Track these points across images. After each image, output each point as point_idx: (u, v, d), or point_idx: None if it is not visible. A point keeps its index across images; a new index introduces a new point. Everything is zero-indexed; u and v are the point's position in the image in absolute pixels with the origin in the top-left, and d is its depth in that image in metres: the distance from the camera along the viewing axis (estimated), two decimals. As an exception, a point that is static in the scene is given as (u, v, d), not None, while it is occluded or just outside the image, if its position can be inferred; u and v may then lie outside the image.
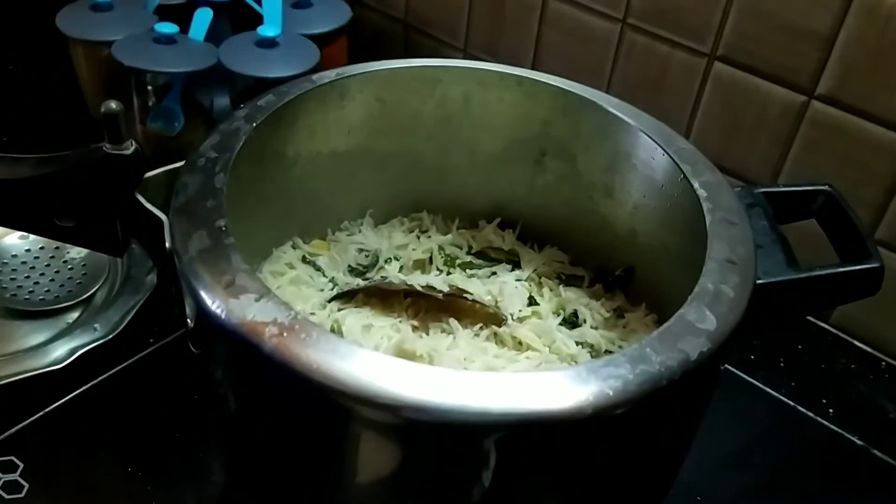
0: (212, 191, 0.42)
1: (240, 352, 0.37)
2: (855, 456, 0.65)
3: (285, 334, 0.35)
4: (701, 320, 0.38)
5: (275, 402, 0.38)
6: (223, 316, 0.36)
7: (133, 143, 0.41)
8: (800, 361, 0.73)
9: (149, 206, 0.42)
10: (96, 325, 0.66)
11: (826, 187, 0.49)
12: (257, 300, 0.37)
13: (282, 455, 0.41)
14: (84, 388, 0.62)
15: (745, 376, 0.71)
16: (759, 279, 0.42)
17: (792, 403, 0.69)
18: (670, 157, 0.49)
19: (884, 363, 0.74)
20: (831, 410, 0.69)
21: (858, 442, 0.66)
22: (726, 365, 0.69)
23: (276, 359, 0.35)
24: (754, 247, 0.43)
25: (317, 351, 0.35)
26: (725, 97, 0.75)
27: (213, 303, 0.37)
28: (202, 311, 0.37)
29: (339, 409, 0.35)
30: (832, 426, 0.67)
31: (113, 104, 0.40)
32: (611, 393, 0.35)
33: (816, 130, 0.71)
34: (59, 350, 0.63)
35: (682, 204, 0.49)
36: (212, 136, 0.46)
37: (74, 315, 0.69)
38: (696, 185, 0.46)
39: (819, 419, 0.68)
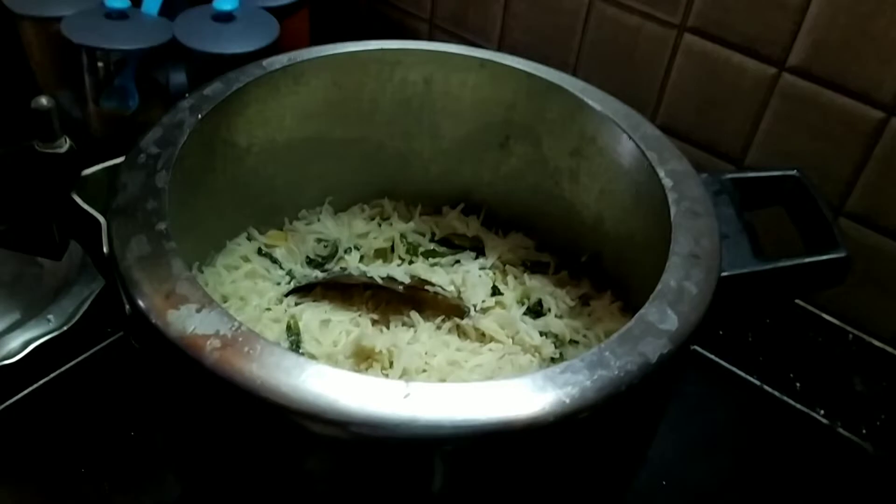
0: (153, 191, 0.40)
1: (181, 365, 0.35)
2: (822, 435, 0.65)
3: (228, 348, 0.34)
4: (662, 320, 0.37)
5: (218, 415, 0.37)
6: (163, 328, 0.34)
7: (67, 140, 0.39)
8: (767, 336, 0.73)
9: (86, 206, 0.40)
10: (50, 317, 0.64)
11: (794, 172, 0.47)
12: (198, 311, 0.35)
13: (225, 465, 0.40)
14: (39, 383, 0.60)
15: (710, 355, 0.70)
16: (724, 271, 0.41)
17: (759, 381, 0.68)
18: (636, 143, 0.47)
19: (851, 335, 0.74)
20: (798, 385, 0.69)
21: (824, 421, 0.66)
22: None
23: (219, 373, 0.33)
24: (720, 238, 0.42)
25: (261, 365, 0.33)
26: (696, 69, 0.74)
27: (152, 314, 0.35)
28: (142, 321, 0.36)
29: (284, 423, 0.34)
30: (798, 405, 0.67)
31: (43, 99, 0.38)
32: (567, 401, 0.33)
33: (787, 103, 0.70)
34: (12, 343, 0.61)
35: (648, 191, 0.47)
36: (153, 130, 0.44)
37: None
38: (661, 175, 0.45)
39: (785, 398, 0.67)
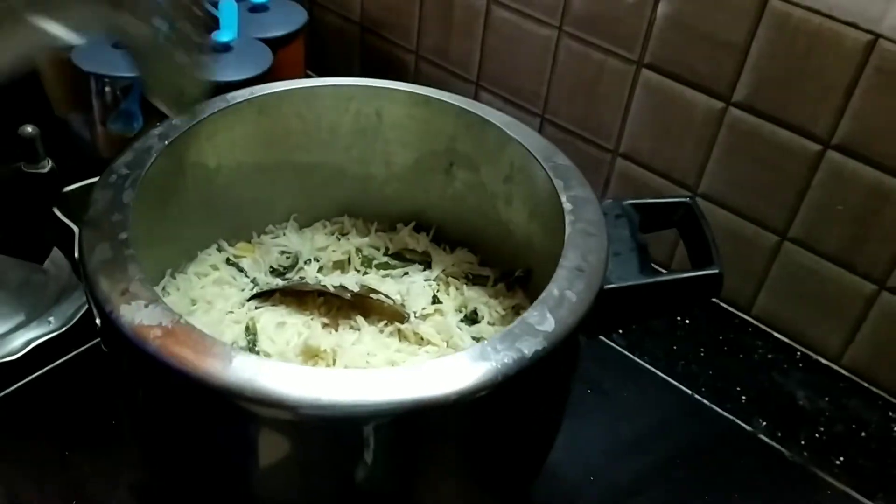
0: (119, 206, 0.47)
1: (131, 351, 0.42)
2: (752, 444, 0.69)
3: (168, 336, 0.41)
4: (541, 322, 0.43)
5: (163, 395, 0.44)
6: (116, 320, 0.41)
7: (49, 161, 0.46)
8: (719, 351, 0.77)
9: (64, 218, 0.47)
10: (51, 319, 0.70)
11: (687, 199, 0.53)
12: (146, 306, 0.42)
13: (175, 443, 0.46)
14: (33, 376, 0.66)
15: (653, 369, 0.75)
16: (611, 284, 0.47)
17: (702, 393, 0.73)
18: (546, 172, 0.54)
19: (799, 353, 0.78)
20: (744, 398, 0.73)
21: (748, 428, 0.70)
22: (638, 356, 0.75)
23: (159, 358, 0.40)
24: (607, 256, 0.48)
25: (194, 351, 0.40)
26: (653, 102, 0.79)
27: (109, 308, 0.42)
28: (102, 314, 0.43)
29: (212, 401, 0.41)
30: (734, 418, 0.71)
31: (29, 128, 0.45)
32: (451, 389, 0.40)
33: (734, 135, 0.75)
34: (15, 342, 0.68)
35: (555, 214, 0.53)
36: (125, 154, 0.51)
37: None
38: (563, 199, 0.51)
39: (714, 406, 0.72)
